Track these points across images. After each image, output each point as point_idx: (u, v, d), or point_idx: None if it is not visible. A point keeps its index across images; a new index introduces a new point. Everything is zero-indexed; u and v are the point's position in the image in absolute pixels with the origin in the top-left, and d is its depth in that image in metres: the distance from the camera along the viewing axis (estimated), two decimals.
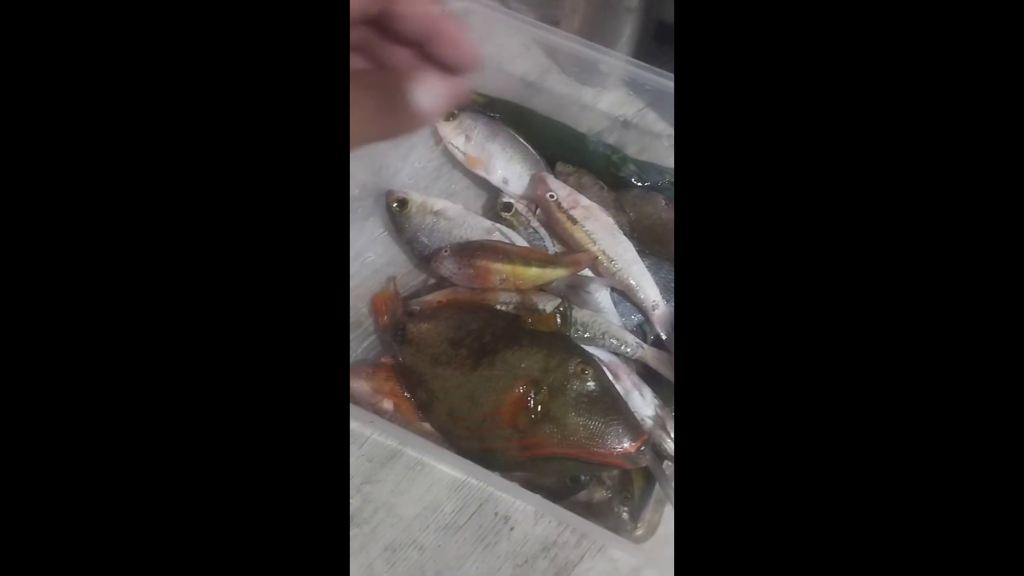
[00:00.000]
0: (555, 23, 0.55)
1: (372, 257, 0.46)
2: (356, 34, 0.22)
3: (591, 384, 0.33)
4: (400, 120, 0.21)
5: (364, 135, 0.21)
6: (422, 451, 0.41)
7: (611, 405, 0.33)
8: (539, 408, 0.33)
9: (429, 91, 0.21)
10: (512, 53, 0.51)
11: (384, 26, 0.23)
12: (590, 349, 0.38)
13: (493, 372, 0.34)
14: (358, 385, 0.40)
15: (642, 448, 0.32)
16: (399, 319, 0.39)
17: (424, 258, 0.44)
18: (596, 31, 0.50)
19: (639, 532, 0.39)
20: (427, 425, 0.38)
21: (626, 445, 0.32)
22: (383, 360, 0.41)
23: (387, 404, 0.39)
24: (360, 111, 0.20)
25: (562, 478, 0.38)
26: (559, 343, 0.34)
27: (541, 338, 0.34)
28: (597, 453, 0.32)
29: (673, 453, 0.38)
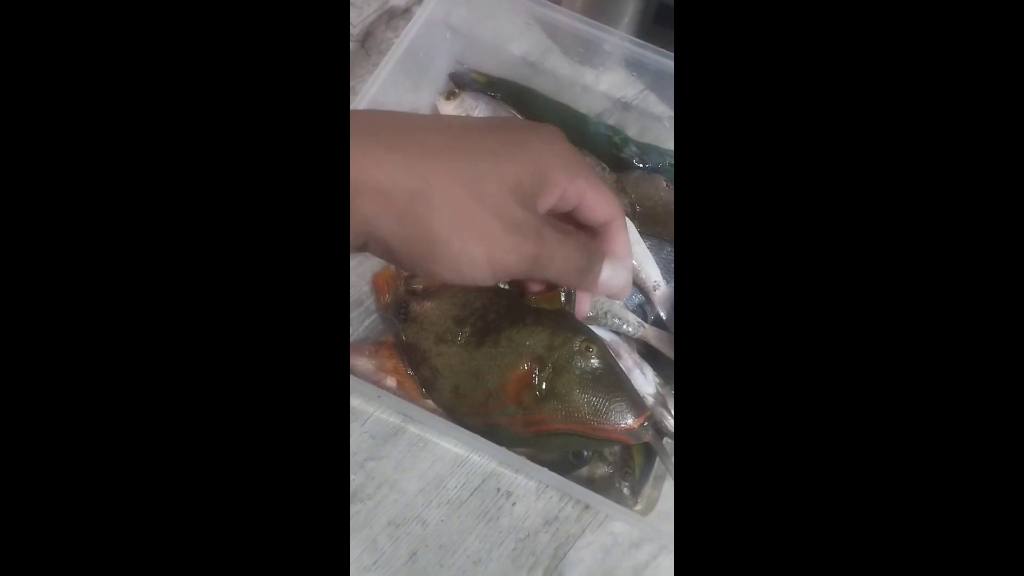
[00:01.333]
0: (557, 2, 0.55)
1: None
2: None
3: (595, 362, 0.33)
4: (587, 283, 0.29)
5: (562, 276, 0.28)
6: (425, 428, 0.41)
7: (615, 382, 0.33)
8: (544, 385, 0.33)
9: (614, 274, 0.29)
10: (513, 32, 0.51)
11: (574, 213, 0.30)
12: (592, 328, 0.39)
13: (498, 350, 0.34)
14: (361, 363, 0.40)
15: (645, 424, 0.33)
16: (401, 297, 0.39)
17: None
18: (597, 11, 0.50)
19: (639, 507, 0.40)
20: (430, 402, 0.39)
21: (629, 421, 0.32)
22: (384, 339, 0.41)
23: (390, 382, 0.40)
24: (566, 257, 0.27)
25: (565, 454, 0.38)
26: (563, 321, 0.34)
27: (545, 316, 0.34)
28: (601, 429, 0.32)
29: (673, 430, 0.39)
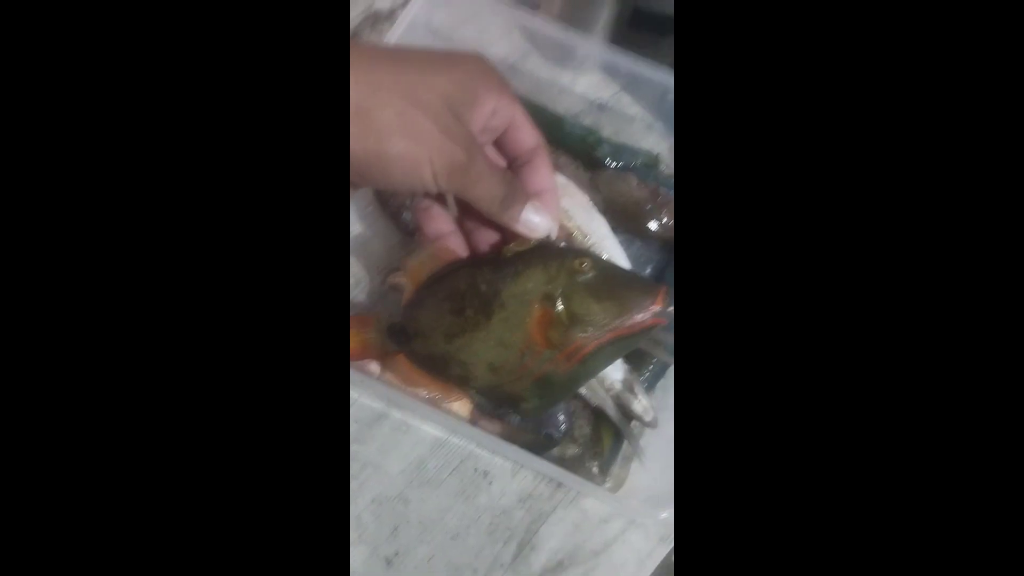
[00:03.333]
0: (535, 7, 0.57)
1: (360, 230, 0.48)
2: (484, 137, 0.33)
3: (593, 272, 0.33)
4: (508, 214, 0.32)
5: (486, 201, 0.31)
6: (407, 413, 0.43)
7: (620, 279, 0.34)
8: (564, 316, 0.33)
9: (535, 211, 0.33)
10: (493, 36, 0.53)
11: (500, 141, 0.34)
12: None
13: (508, 311, 0.33)
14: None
15: (667, 299, 0.33)
16: (390, 323, 0.38)
17: (408, 233, 0.47)
18: (574, 17, 0.53)
19: (608, 484, 0.42)
20: (422, 391, 0.39)
21: (652, 305, 0.33)
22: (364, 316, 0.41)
23: (373, 367, 0.42)
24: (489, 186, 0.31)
25: (538, 436, 0.40)
26: (547, 251, 0.34)
27: (529, 256, 0.34)
28: (632, 324, 0.33)
29: (640, 414, 0.42)
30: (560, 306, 0.33)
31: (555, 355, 0.33)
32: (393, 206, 0.47)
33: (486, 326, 0.34)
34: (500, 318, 0.34)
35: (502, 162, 0.35)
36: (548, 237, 0.34)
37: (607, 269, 0.34)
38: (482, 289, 0.34)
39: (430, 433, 0.43)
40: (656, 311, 0.33)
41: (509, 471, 0.43)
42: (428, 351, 0.36)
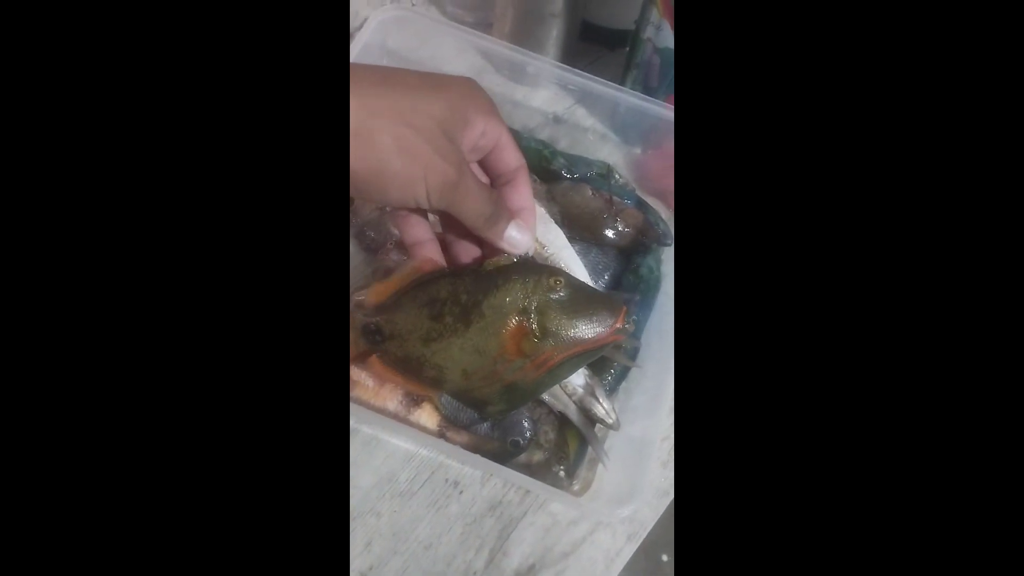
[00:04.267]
0: (488, 26, 0.59)
1: None
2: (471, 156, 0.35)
3: (566, 289, 0.37)
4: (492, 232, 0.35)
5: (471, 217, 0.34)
6: (377, 428, 0.44)
7: (588, 298, 0.37)
8: (536, 329, 0.36)
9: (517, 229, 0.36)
10: (448, 55, 0.54)
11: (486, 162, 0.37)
12: None
13: (485, 320, 0.36)
14: None
15: (629, 316, 0.38)
16: (365, 323, 0.39)
17: (371, 250, 0.48)
18: (525, 34, 0.54)
19: (576, 488, 0.44)
20: (389, 404, 0.41)
21: (613, 323, 0.36)
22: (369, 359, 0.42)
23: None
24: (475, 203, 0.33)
25: (504, 446, 0.42)
26: (524, 268, 0.37)
27: (509, 271, 0.37)
28: (596, 340, 0.36)
29: (602, 417, 0.43)
30: (534, 320, 0.36)
31: (525, 364, 0.36)
32: (356, 225, 0.48)
33: (464, 333, 0.36)
34: (478, 327, 0.36)
35: (486, 180, 0.37)
36: (527, 254, 0.37)
37: (578, 288, 0.37)
38: (462, 299, 0.36)
39: (401, 447, 0.44)
40: (617, 328, 0.37)
41: (479, 480, 0.44)
42: (404, 352, 0.38)
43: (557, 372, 0.38)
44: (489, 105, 0.34)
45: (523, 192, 0.37)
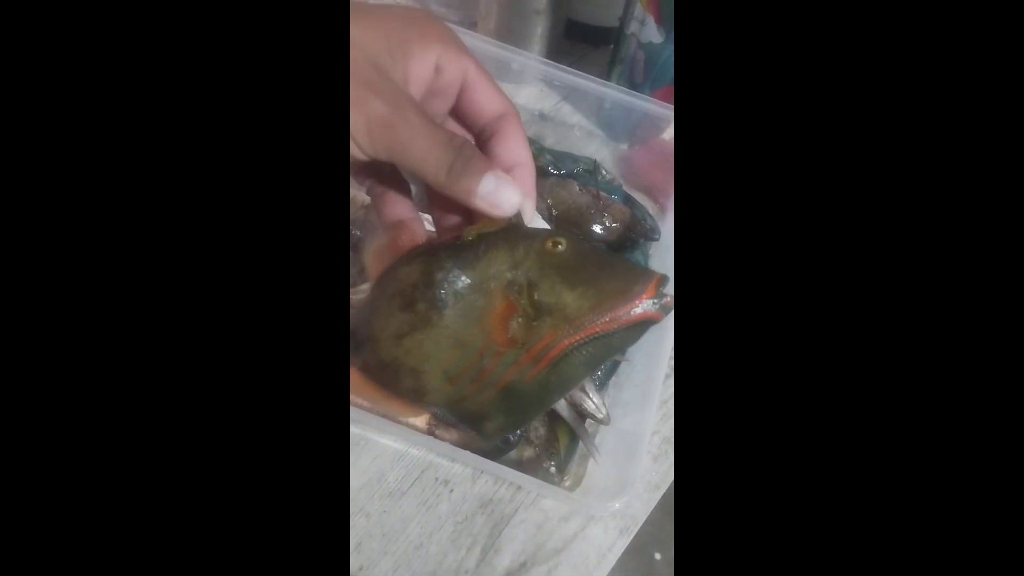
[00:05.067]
0: (473, 24, 0.59)
1: None
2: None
3: (569, 252, 0.27)
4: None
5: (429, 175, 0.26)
6: (364, 427, 0.44)
7: (602, 260, 0.28)
8: (529, 305, 0.27)
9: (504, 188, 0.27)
10: None
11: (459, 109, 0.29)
12: None
13: (465, 302, 0.28)
14: None
15: (663, 288, 0.27)
16: None
17: (357, 250, 0.47)
18: (510, 31, 0.54)
19: (567, 484, 0.43)
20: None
21: (640, 294, 0.26)
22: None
23: None
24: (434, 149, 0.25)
25: (494, 442, 0.41)
26: (515, 233, 0.28)
27: (494, 239, 0.28)
28: (615, 317, 0.26)
29: (593, 412, 0.43)
30: (525, 294, 0.27)
31: (519, 356, 0.27)
32: None
33: (439, 322, 0.28)
34: (456, 312, 0.28)
35: (468, 137, 0.29)
36: (518, 216, 0.28)
37: (586, 251, 0.28)
38: (436, 278, 0.28)
39: (389, 446, 0.44)
40: (648, 300, 0.26)
41: (469, 478, 0.44)
42: (378, 358, 0.30)
43: (565, 368, 0.27)
44: (443, 34, 0.27)
45: (513, 144, 0.28)
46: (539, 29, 0.54)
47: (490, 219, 0.28)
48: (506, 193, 0.27)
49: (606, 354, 0.28)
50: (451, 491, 0.43)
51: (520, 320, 0.27)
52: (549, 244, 0.27)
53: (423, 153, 0.25)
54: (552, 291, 0.27)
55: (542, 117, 0.57)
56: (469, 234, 0.28)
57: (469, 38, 0.49)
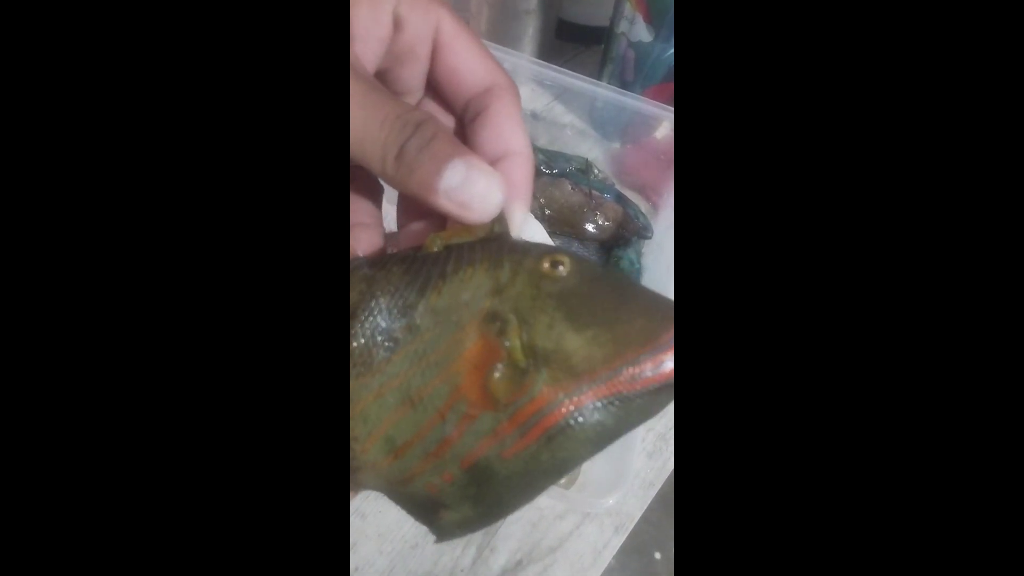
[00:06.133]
0: None
1: None
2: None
3: (575, 278, 0.19)
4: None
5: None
6: None
7: (619, 291, 0.20)
8: (516, 350, 0.18)
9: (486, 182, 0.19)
10: None
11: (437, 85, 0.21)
12: None
13: (422, 340, 0.19)
14: None
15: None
16: None
17: None
18: (501, 31, 0.54)
19: (562, 482, 0.43)
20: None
21: (673, 337, 0.19)
22: None
23: None
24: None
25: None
26: (500, 246, 0.20)
27: (469, 252, 0.20)
28: (639, 376, 0.18)
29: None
30: (512, 332, 0.19)
31: (499, 422, 0.19)
32: None
33: (382, 368, 0.19)
34: (407, 353, 0.19)
35: (448, 119, 0.22)
36: (503, 223, 0.20)
37: (598, 276, 0.20)
38: (380, 303, 0.20)
39: None
40: (667, 356, 0.19)
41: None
42: None
43: (564, 443, 0.18)
44: None
45: (504, 127, 0.21)
46: (530, 29, 0.55)
47: (464, 226, 0.20)
48: (480, 187, 0.19)
49: (622, 426, 0.19)
50: None
51: (504, 370, 0.18)
52: (546, 264, 0.19)
53: (360, 133, 0.18)
54: (550, 332, 0.19)
55: (534, 117, 0.57)
56: (433, 243, 0.20)
57: None
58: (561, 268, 0.19)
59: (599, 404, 0.18)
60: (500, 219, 0.20)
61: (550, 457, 0.19)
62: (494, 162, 0.20)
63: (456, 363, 0.19)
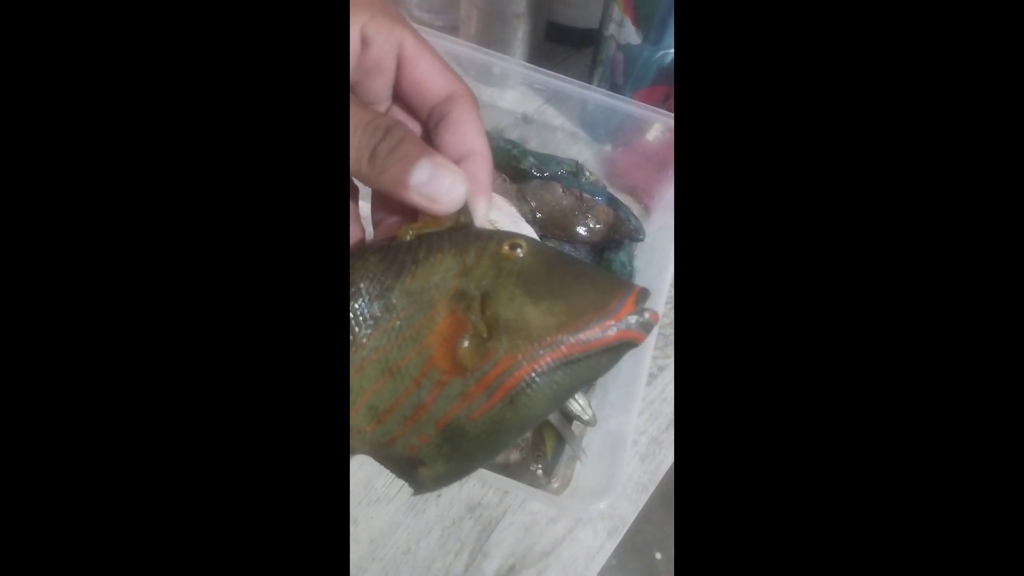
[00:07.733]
0: (455, 29, 0.59)
1: None
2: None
3: (533, 257, 0.22)
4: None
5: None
6: None
7: (572, 269, 0.23)
8: (481, 322, 0.22)
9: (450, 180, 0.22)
10: None
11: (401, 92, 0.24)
12: None
13: (398, 318, 0.22)
14: None
15: (642, 303, 0.22)
16: None
17: None
18: (491, 35, 0.54)
19: (554, 486, 0.43)
20: None
21: (618, 310, 0.22)
22: None
23: None
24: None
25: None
26: (465, 234, 0.23)
27: (438, 240, 0.23)
28: (589, 339, 0.21)
29: (578, 414, 0.43)
30: (476, 308, 0.22)
31: (467, 386, 0.22)
32: None
33: (363, 343, 0.22)
34: (386, 330, 0.22)
35: (415, 125, 0.25)
36: (467, 214, 0.24)
37: (553, 256, 0.23)
38: (360, 287, 0.23)
39: None
40: (630, 319, 0.22)
41: (457, 482, 0.44)
42: None
43: (524, 402, 0.22)
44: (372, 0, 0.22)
45: (463, 130, 0.23)
46: (520, 33, 0.55)
47: (433, 218, 0.23)
48: (446, 183, 0.22)
49: (575, 384, 0.22)
50: (438, 496, 0.43)
51: (470, 340, 0.22)
52: (507, 247, 0.22)
53: None
54: (511, 304, 0.22)
55: (525, 120, 0.57)
56: (406, 233, 0.23)
57: (451, 44, 0.50)
58: (519, 250, 0.23)
59: (555, 365, 0.21)
60: (465, 211, 0.24)
61: (514, 415, 0.22)
62: (457, 161, 0.23)
63: (429, 337, 0.22)
